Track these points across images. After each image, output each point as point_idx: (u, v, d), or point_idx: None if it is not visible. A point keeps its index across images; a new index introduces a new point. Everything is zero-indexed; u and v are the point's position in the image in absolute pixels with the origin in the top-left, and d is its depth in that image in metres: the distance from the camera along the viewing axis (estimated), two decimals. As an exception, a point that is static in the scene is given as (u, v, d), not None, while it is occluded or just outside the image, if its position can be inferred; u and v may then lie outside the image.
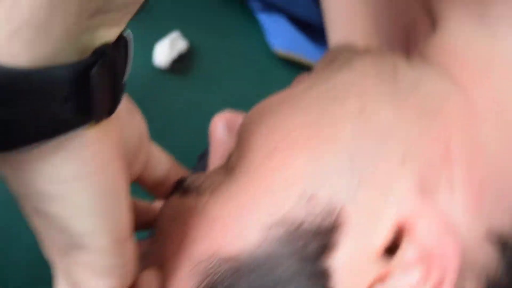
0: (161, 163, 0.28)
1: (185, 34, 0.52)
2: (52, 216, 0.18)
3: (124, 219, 0.20)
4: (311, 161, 0.23)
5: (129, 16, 0.17)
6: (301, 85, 0.28)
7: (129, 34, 0.18)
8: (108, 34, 0.16)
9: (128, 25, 0.18)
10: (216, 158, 0.31)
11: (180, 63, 0.51)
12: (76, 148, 0.17)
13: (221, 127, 0.32)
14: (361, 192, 0.21)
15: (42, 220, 0.19)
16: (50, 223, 0.19)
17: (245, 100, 0.33)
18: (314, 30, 0.54)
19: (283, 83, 0.34)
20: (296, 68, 0.54)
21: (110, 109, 0.18)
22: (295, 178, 0.23)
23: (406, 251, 0.20)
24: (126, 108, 0.24)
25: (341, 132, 0.23)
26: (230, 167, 0.26)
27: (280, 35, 0.55)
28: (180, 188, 0.27)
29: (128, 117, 0.24)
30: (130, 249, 0.20)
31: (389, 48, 0.35)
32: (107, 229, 0.19)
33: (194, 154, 0.40)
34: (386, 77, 0.25)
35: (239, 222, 0.22)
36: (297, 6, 0.53)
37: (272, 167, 0.23)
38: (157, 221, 0.27)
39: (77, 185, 0.17)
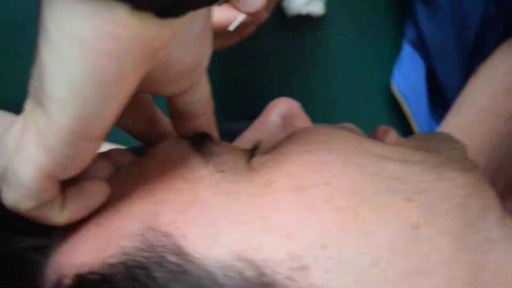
0: (200, 107, 0.25)
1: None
2: (41, 58, 0.17)
3: (99, 121, 0.18)
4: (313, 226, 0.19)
5: None
6: (382, 146, 0.24)
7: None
8: None
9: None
10: (247, 140, 0.28)
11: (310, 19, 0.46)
12: (100, 16, 0.16)
13: (278, 114, 0.29)
14: None
15: (36, 57, 0.17)
16: (37, 64, 0.17)
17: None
18: (439, 100, 0.49)
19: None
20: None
21: (162, 8, 0.16)
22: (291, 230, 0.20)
23: None
24: (201, 31, 0.20)
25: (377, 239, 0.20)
26: (252, 165, 0.22)
27: (407, 78, 0.50)
28: (198, 140, 0.24)
29: (193, 40, 0.20)
30: (86, 150, 0.18)
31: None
32: (74, 114, 0.17)
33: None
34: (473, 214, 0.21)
35: (214, 228, 0.19)
36: (445, 68, 0.48)
37: (289, 206, 0.20)
38: (150, 151, 0.24)
39: (75, 48, 0.16)
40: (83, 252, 0.20)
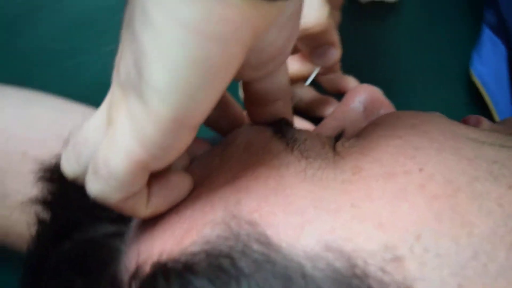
0: (280, 92, 0.24)
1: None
2: (139, 44, 0.16)
3: (200, 109, 0.17)
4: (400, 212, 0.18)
5: None
6: (477, 132, 0.22)
7: None
8: None
9: None
10: (328, 128, 0.27)
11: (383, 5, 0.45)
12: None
13: (359, 100, 0.28)
14: None
15: (130, 43, 0.17)
16: (133, 50, 0.16)
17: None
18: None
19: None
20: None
21: None
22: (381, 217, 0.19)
23: None
24: (294, 12, 0.19)
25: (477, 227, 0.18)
26: (338, 152, 0.22)
27: (487, 65, 0.47)
28: (279, 127, 0.23)
29: (286, 22, 0.19)
30: (182, 140, 0.17)
31: None
32: (177, 102, 0.16)
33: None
34: None
35: (302, 216, 0.18)
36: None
37: (381, 194, 0.19)
38: (228, 139, 0.24)
39: (181, 33, 0.15)
40: (162, 240, 0.19)
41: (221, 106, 0.27)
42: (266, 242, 0.18)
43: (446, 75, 0.49)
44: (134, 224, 0.22)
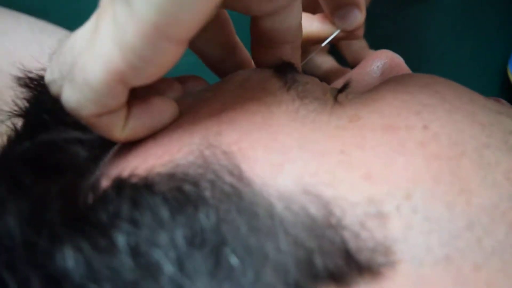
0: (289, 34, 0.22)
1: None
2: None
3: (186, 19, 0.15)
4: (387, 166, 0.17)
5: None
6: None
7: None
8: None
9: None
10: (339, 84, 0.25)
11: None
12: None
13: (377, 65, 0.26)
14: None
15: None
16: None
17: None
18: None
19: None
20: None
21: None
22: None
23: None
24: None
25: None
26: (339, 100, 0.20)
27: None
28: (282, 69, 0.21)
29: None
30: (166, 54, 0.16)
31: None
32: (161, 5, 0.14)
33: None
34: None
35: (284, 154, 0.17)
36: None
37: (376, 145, 0.17)
38: (227, 76, 0.22)
39: None
40: (132, 162, 0.18)
41: (228, 47, 0.25)
42: (238, 175, 0.16)
43: (483, 73, 0.46)
44: (112, 150, 0.21)
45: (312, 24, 0.31)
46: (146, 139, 0.19)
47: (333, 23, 0.30)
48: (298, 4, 0.21)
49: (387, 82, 0.21)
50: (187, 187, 0.16)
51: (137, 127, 0.18)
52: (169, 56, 0.16)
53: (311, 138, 0.17)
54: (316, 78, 0.23)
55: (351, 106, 0.19)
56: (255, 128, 0.18)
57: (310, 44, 0.33)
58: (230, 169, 0.16)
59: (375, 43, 0.39)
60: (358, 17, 0.29)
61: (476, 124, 0.18)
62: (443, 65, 0.46)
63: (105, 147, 0.20)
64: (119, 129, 0.18)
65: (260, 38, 0.22)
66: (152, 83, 0.19)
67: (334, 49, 0.41)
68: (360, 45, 0.40)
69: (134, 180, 0.16)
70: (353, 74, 0.26)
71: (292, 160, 0.16)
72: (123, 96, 0.17)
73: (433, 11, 0.45)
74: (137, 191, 0.16)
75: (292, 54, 0.23)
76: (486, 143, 0.17)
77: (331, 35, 0.30)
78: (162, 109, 0.19)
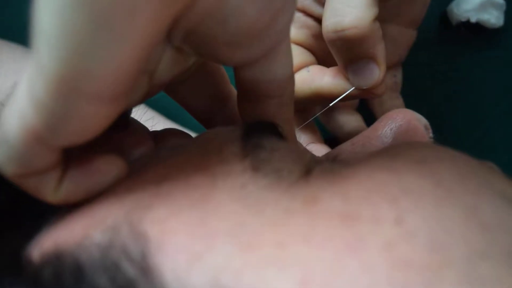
0: (273, 87, 0.19)
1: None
2: None
3: (101, 72, 0.13)
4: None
5: None
6: None
7: None
8: None
9: None
10: (342, 151, 0.21)
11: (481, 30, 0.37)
12: None
13: (390, 127, 0.22)
14: None
15: None
16: None
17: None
18: None
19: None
20: None
21: None
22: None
23: None
24: None
25: None
26: (311, 175, 0.16)
27: None
28: (254, 129, 0.18)
29: None
30: (86, 114, 0.14)
31: None
32: (65, 54, 0.12)
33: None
34: None
35: (207, 241, 0.14)
36: None
37: (325, 239, 0.13)
38: (201, 133, 0.20)
39: None
40: (58, 232, 0.16)
41: (217, 99, 0.22)
42: (142, 264, 0.13)
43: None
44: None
45: (322, 79, 0.28)
46: (84, 204, 0.16)
47: (347, 78, 0.26)
48: (284, 52, 0.18)
49: (379, 152, 0.17)
50: (68, 276, 0.13)
51: (71, 189, 0.16)
52: (91, 116, 0.13)
53: (248, 224, 0.14)
54: (299, 144, 0.19)
55: (316, 183, 0.15)
56: (189, 205, 0.15)
57: (320, 101, 0.29)
58: (134, 256, 0.13)
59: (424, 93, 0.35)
60: (375, 74, 0.26)
61: (474, 223, 0.13)
62: (495, 115, 0.40)
63: None
64: (51, 191, 0.16)
65: (243, 90, 0.19)
66: (116, 136, 0.16)
67: (364, 106, 0.37)
68: (394, 102, 0.35)
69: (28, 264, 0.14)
70: (361, 137, 0.22)
71: (214, 250, 0.13)
72: (48, 157, 0.15)
73: (496, 55, 0.40)
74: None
75: (277, 111, 0.20)
76: (484, 252, 0.12)
77: (343, 92, 0.26)
78: (104, 169, 0.16)
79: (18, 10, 0.43)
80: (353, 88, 0.26)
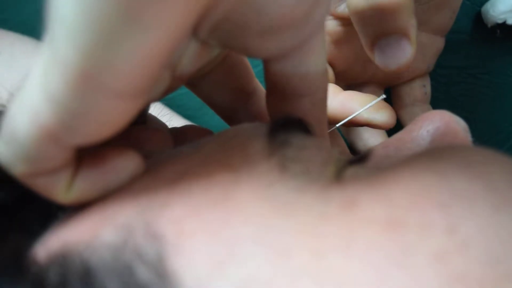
0: (306, 83, 0.18)
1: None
2: None
3: (124, 64, 0.11)
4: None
5: None
6: None
7: None
8: None
9: None
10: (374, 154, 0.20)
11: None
12: None
13: (428, 129, 0.20)
14: None
15: None
16: None
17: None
18: None
19: None
20: None
21: None
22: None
23: None
24: None
25: None
26: (343, 177, 0.15)
27: None
28: (279, 127, 0.17)
29: None
30: (105, 110, 0.12)
31: None
32: (86, 41, 0.11)
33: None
34: None
35: (230, 247, 0.12)
36: None
37: (367, 250, 0.12)
38: (224, 130, 0.18)
39: None
40: (68, 232, 0.15)
41: (241, 94, 0.21)
42: (158, 269, 0.12)
43: None
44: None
45: (331, 101, 0.26)
46: (97, 202, 0.15)
47: (371, 57, 0.24)
48: (318, 46, 0.17)
49: (420, 155, 0.16)
50: (74, 279, 0.12)
51: (85, 189, 0.15)
52: (112, 112, 0.12)
53: (277, 228, 0.12)
54: (327, 143, 0.17)
55: (352, 187, 0.14)
56: (209, 204, 0.13)
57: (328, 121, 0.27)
58: (150, 258, 0.12)
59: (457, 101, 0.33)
60: (408, 52, 0.23)
61: None
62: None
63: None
64: (62, 191, 0.14)
65: (273, 86, 0.18)
66: (133, 131, 0.15)
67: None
68: (422, 109, 0.33)
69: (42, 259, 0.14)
70: (393, 140, 0.21)
71: (240, 257, 0.12)
72: (61, 156, 0.13)
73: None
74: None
75: (309, 111, 0.18)
76: None
77: (349, 114, 0.24)
78: (120, 166, 0.15)
79: (30, 3, 0.43)
80: (357, 113, 0.24)
